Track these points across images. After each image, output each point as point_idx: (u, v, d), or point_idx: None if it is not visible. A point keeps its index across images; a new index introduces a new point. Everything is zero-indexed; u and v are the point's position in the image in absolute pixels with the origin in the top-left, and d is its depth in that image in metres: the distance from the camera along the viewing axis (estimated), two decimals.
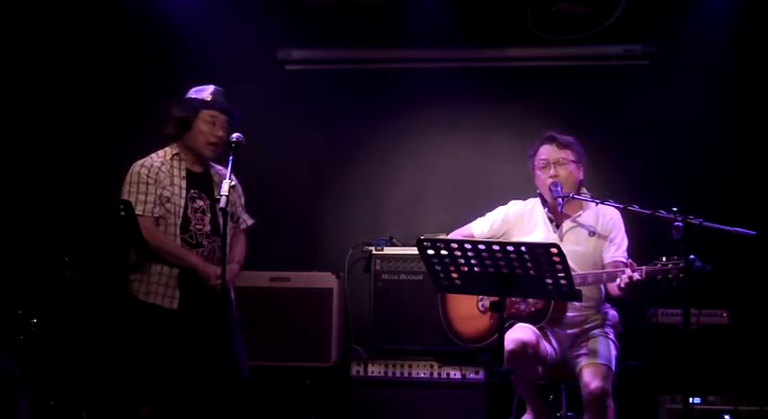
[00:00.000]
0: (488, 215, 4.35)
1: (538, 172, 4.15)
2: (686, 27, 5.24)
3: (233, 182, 3.70)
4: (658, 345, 4.67)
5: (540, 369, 3.91)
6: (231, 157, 3.79)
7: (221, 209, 3.64)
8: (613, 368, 3.90)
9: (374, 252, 4.99)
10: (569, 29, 5.43)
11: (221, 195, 3.64)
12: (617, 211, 4.08)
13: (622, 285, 3.74)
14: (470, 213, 5.27)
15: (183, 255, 3.94)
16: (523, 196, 5.12)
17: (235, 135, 3.86)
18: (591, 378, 3.80)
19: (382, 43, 5.51)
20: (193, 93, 4.08)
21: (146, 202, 3.93)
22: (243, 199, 4.24)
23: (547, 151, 4.13)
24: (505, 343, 3.65)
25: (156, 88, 5.50)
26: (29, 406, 3.90)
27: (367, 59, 5.55)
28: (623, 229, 4.06)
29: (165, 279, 3.94)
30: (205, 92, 4.06)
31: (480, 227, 4.31)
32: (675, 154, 5.21)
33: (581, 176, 4.14)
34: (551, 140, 4.14)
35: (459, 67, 5.51)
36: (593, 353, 3.91)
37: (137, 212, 3.84)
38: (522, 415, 4.09)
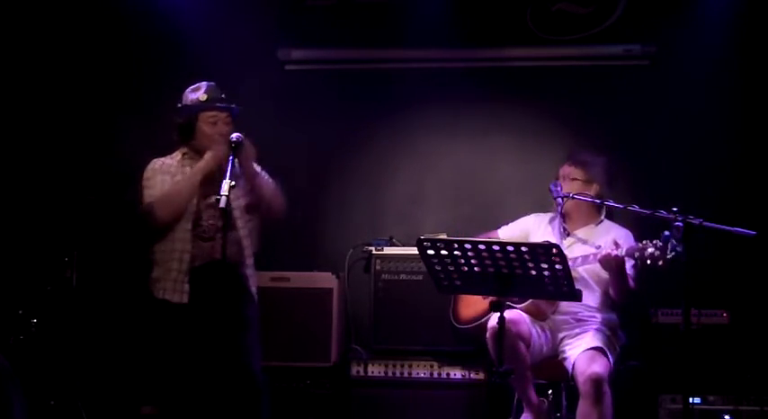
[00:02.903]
0: (511, 224, 4.51)
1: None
2: (686, 27, 5.23)
3: (233, 183, 3.69)
4: (658, 345, 4.67)
5: (524, 351, 3.94)
6: (231, 157, 3.79)
7: (221, 209, 3.63)
8: (611, 359, 3.92)
9: (374, 252, 4.99)
10: (569, 29, 5.43)
11: (221, 195, 3.63)
12: (629, 234, 4.17)
13: (600, 258, 3.89)
14: (470, 213, 5.31)
15: (186, 178, 3.93)
16: (522, 196, 5.16)
17: (234, 135, 3.87)
18: (586, 363, 3.84)
19: (382, 43, 5.51)
20: (189, 93, 4.07)
21: (154, 187, 3.97)
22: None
23: (564, 167, 4.31)
24: (490, 321, 3.75)
25: (156, 88, 5.50)
26: (21, 401, 3.90)
27: (367, 59, 5.55)
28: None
29: (175, 274, 3.93)
30: (200, 91, 4.04)
31: (506, 233, 4.47)
32: (675, 154, 5.21)
33: (592, 194, 4.23)
34: (568, 156, 4.35)
35: (459, 67, 5.50)
36: (588, 342, 3.96)
37: (148, 200, 3.94)
38: (522, 415, 4.11)
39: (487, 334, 3.90)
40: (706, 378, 4.52)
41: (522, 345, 3.94)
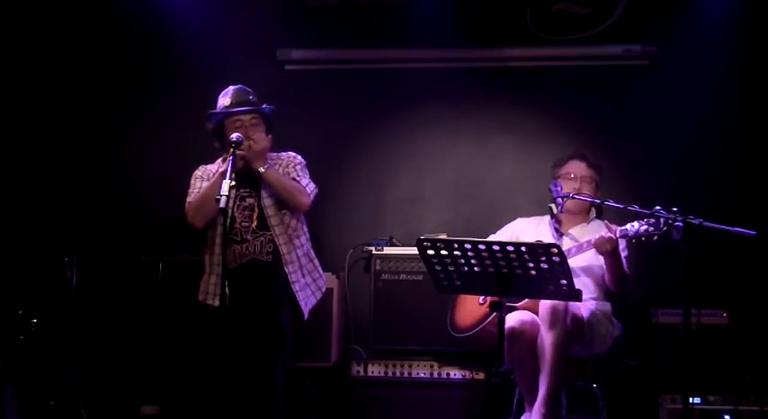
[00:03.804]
0: (499, 232, 4.54)
1: (561, 182, 4.30)
2: (686, 27, 5.24)
3: (233, 183, 3.68)
4: (658, 345, 4.67)
5: (537, 353, 3.99)
6: (231, 157, 3.78)
7: (221, 209, 3.63)
8: (574, 307, 4.00)
9: (374, 252, 5.00)
10: (569, 29, 5.43)
11: (221, 195, 3.62)
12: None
13: (595, 241, 3.98)
14: (470, 213, 5.31)
15: (211, 183, 3.91)
16: (522, 195, 5.15)
17: (234, 135, 3.85)
18: (547, 301, 3.96)
19: (382, 43, 5.51)
20: (219, 98, 4.05)
21: (192, 193, 3.97)
22: (298, 168, 4.15)
23: (577, 167, 4.36)
24: (506, 322, 3.73)
25: (156, 88, 5.51)
26: (15, 402, 3.91)
27: (367, 59, 5.55)
28: (624, 242, 4.10)
29: (215, 278, 3.93)
30: (226, 96, 4.02)
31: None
32: (675, 154, 5.20)
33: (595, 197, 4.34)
34: (583, 158, 4.39)
35: (459, 67, 5.50)
36: None
37: (188, 201, 3.94)
38: (522, 415, 4.11)
39: (506, 337, 3.88)
40: (706, 378, 4.52)
41: (535, 347, 3.99)
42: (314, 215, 5.41)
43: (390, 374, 4.81)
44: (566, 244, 4.20)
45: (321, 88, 5.54)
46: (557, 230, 4.19)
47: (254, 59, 5.47)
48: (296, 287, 3.96)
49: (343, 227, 5.44)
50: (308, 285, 4.04)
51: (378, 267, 4.97)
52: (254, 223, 3.97)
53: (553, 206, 4.12)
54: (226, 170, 3.72)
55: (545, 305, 3.96)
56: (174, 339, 4.79)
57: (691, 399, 4.40)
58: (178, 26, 5.40)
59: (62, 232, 4.89)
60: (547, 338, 3.93)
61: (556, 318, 3.91)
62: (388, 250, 5.01)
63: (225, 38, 5.42)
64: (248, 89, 4.06)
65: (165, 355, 4.79)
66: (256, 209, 3.98)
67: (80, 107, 5.55)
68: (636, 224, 3.84)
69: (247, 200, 4.00)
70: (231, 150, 3.80)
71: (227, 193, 3.61)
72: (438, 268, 3.40)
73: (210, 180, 3.96)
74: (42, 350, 4.70)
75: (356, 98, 5.53)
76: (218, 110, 4.02)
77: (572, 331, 3.97)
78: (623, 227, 3.93)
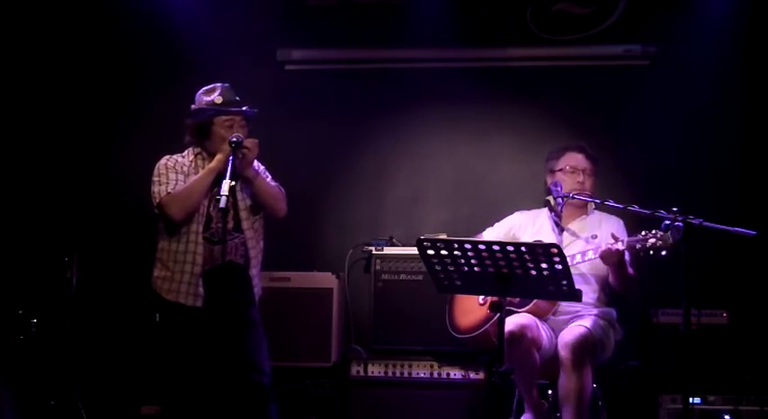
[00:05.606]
0: (497, 224, 4.51)
1: (562, 175, 4.29)
2: (686, 27, 5.23)
3: (233, 183, 3.68)
4: (658, 345, 4.67)
5: (536, 356, 3.97)
6: (231, 158, 3.78)
7: (221, 209, 3.63)
8: (594, 335, 3.96)
9: (374, 252, 5.00)
10: (569, 29, 5.43)
11: (221, 195, 3.63)
12: (620, 222, 4.23)
13: (601, 253, 3.91)
14: (470, 213, 5.31)
15: (199, 177, 3.89)
16: (522, 195, 5.15)
17: (235, 135, 3.86)
18: (569, 334, 3.91)
19: (382, 43, 5.51)
20: (203, 95, 4.02)
21: (168, 183, 3.91)
22: (268, 174, 4.17)
23: (576, 159, 4.31)
24: (505, 325, 3.72)
25: (155, 88, 5.51)
26: (11, 402, 3.91)
27: (367, 59, 5.55)
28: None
29: (188, 277, 3.90)
30: (215, 93, 4.00)
31: (491, 235, 4.47)
32: (675, 154, 5.20)
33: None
34: (581, 150, 4.34)
35: (459, 67, 5.50)
36: (577, 322, 4.03)
37: (162, 196, 3.87)
38: (522, 415, 4.11)
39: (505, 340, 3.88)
40: (706, 378, 4.52)
41: (535, 351, 3.97)
42: (314, 215, 5.45)
43: (390, 374, 4.81)
44: (566, 239, 4.19)
45: (321, 88, 5.54)
46: (557, 224, 4.19)
47: (254, 59, 5.47)
48: (257, 289, 4.05)
49: (343, 227, 5.44)
50: (258, 288, 4.08)
51: (378, 267, 4.97)
52: (230, 224, 3.97)
53: (551, 199, 4.14)
54: (225, 169, 3.74)
55: (565, 344, 3.88)
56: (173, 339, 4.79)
57: (691, 399, 4.40)
58: (178, 26, 5.40)
59: (62, 232, 4.89)
60: (570, 381, 3.85)
61: (579, 360, 3.84)
62: (388, 250, 5.01)
63: (225, 38, 5.42)
64: (231, 88, 4.06)
65: (165, 355, 4.79)
66: (231, 211, 3.97)
67: (80, 107, 5.55)
68: (643, 235, 3.79)
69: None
70: (231, 150, 3.81)
71: (227, 193, 3.63)
72: (438, 268, 3.40)
73: (197, 174, 3.92)
74: (42, 350, 4.70)
75: (356, 98, 5.53)
76: (205, 106, 3.99)
77: (593, 363, 3.93)
78: (631, 239, 3.88)
